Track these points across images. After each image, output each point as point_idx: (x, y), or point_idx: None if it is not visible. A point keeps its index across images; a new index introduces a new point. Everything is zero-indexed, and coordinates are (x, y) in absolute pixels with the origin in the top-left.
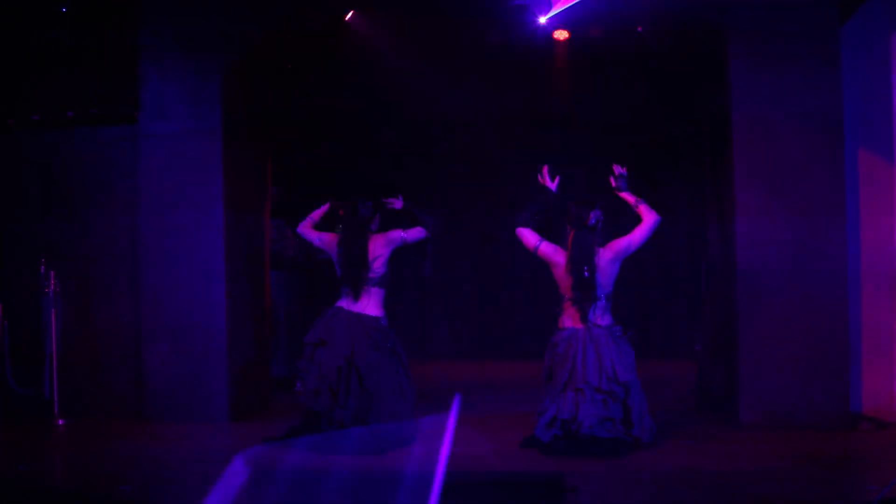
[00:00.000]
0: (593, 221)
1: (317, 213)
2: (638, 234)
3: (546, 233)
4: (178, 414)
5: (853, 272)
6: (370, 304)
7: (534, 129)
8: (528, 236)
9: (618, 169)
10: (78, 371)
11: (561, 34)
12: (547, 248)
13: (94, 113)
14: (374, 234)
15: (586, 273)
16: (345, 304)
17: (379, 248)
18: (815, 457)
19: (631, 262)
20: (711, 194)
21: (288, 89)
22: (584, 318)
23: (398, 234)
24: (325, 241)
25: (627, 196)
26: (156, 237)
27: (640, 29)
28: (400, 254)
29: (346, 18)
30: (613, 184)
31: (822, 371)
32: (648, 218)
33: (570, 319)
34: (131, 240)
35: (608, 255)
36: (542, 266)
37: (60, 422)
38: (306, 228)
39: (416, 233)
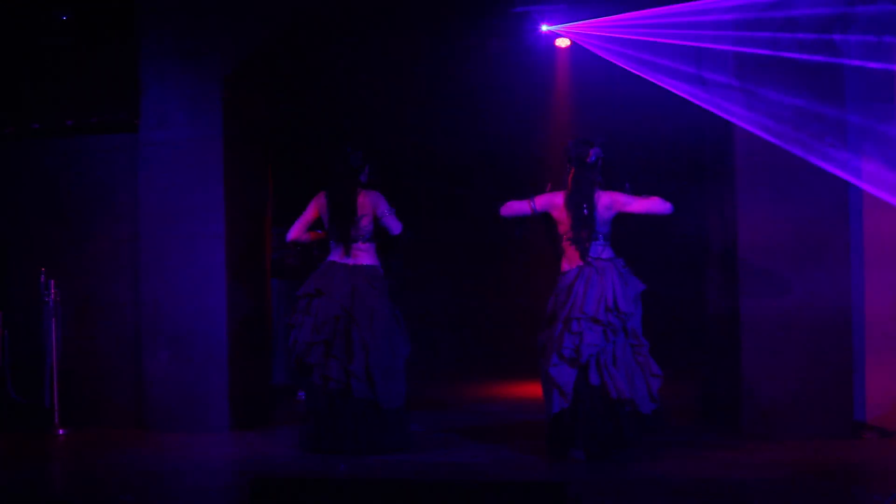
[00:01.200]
0: (593, 159)
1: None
2: (641, 204)
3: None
4: (179, 423)
5: (856, 278)
6: (364, 257)
7: (533, 133)
8: (516, 205)
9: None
10: (78, 380)
11: (563, 42)
12: (542, 198)
13: (94, 121)
14: (365, 190)
15: (585, 210)
16: (337, 258)
17: (366, 207)
18: (819, 466)
19: (632, 268)
20: (713, 201)
21: (289, 97)
22: (583, 256)
23: (384, 209)
24: (313, 206)
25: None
26: (156, 245)
27: None
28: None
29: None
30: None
31: (826, 380)
32: (660, 205)
33: (569, 262)
34: (131, 248)
35: (606, 199)
36: (542, 286)
37: (61, 431)
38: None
39: (393, 223)
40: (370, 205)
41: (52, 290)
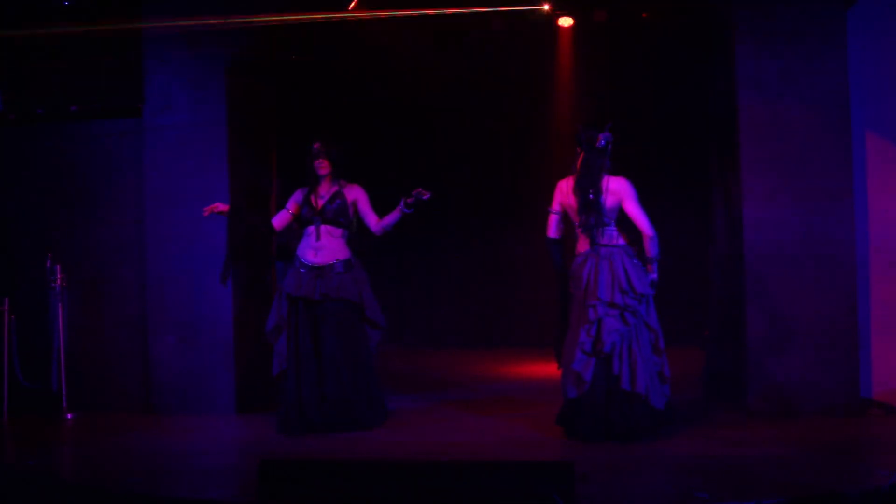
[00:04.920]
0: (602, 143)
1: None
2: (636, 210)
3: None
4: (186, 406)
5: (861, 256)
6: (331, 243)
7: (537, 115)
8: (551, 224)
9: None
10: (85, 365)
11: (565, 21)
12: (556, 199)
13: (99, 106)
14: (348, 183)
15: (591, 195)
16: (306, 243)
17: (345, 196)
18: (825, 443)
19: (638, 249)
20: (718, 178)
21: (293, 81)
22: (593, 244)
23: (367, 207)
24: (291, 202)
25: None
26: (161, 229)
27: (644, 15)
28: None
29: (350, 8)
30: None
31: (831, 356)
32: (647, 226)
33: (580, 247)
34: (137, 232)
35: (614, 185)
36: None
37: (69, 415)
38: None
39: (376, 222)
40: (350, 196)
41: (59, 275)
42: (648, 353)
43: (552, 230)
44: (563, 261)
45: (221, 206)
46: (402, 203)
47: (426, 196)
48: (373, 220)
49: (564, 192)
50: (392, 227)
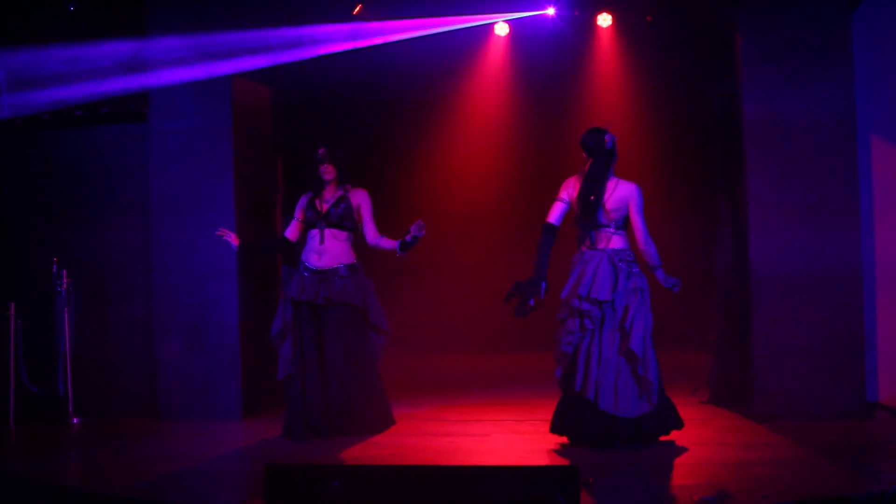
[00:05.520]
0: (610, 145)
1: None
2: (638, 221)
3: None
4: (192, 411)
5: (867, 258)
6: (335, 247)
7: (541, 120)
8: (554, 210)
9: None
10: (92, 369)
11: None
12: (566, 189)
13: (104, 111)
14: (354, 188)
15: (592, 198)
16: (310, 247)
17: (350, 201)
18: (831, 446)
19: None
20: (724, 184)
21: (299, 85)
22: (583, 245)
23: (368, 215)
24: (298, 210)
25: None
26: (167, 234)
27: (648, 18)
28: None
29: (354, 13)
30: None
31: (838, 360)
32: (645, 236)
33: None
34: (143, 237)
35: (623, 189)
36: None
37: (75, 420)
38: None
39: (373, 236)
40: (355, 201)
41: (65, 280)
42: (622, 361)
43: (554, 216)
44: (548, 250)
45: (233, 240)
46: (398, 244)
47: (422, 234)
48: (370, 231)
49: (571, 188)
50: (381, 250)
